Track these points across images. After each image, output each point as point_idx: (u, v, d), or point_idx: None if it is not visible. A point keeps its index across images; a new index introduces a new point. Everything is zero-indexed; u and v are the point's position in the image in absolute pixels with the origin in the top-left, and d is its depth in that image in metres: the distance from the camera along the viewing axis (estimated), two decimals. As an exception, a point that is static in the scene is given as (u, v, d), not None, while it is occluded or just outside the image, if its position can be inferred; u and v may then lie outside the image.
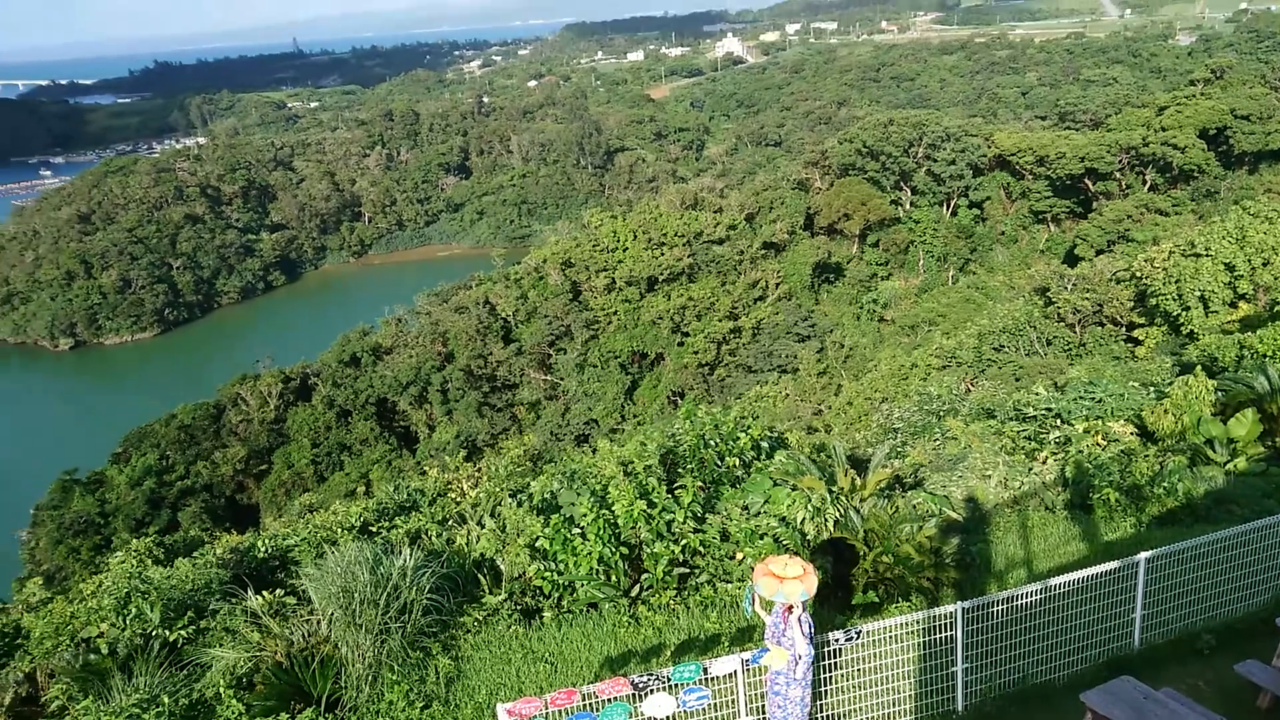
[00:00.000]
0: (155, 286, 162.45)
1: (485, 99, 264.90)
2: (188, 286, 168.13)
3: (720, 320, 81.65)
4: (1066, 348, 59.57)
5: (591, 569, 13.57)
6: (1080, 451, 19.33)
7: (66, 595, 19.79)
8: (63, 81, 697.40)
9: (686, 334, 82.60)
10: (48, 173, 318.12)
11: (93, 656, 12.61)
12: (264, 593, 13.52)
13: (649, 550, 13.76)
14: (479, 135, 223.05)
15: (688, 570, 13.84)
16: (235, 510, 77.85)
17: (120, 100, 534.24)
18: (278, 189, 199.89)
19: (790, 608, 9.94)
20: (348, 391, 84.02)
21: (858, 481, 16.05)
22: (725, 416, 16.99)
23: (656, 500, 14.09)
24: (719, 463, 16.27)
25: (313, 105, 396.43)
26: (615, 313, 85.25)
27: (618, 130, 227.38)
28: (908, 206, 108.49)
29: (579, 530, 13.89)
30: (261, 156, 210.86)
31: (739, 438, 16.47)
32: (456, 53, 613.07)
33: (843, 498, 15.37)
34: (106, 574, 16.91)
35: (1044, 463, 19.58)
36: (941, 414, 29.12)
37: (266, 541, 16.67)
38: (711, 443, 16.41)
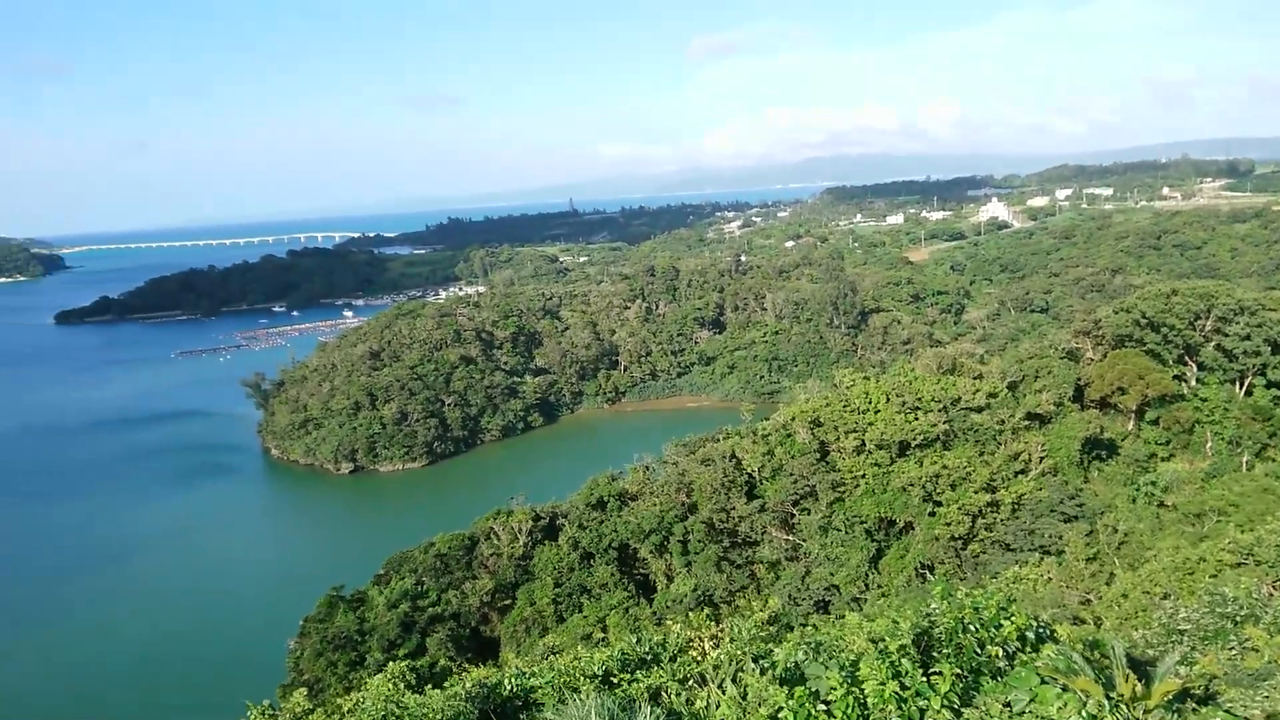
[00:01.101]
0: (428, 420, 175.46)
1: (743, 257, 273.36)
2: (456, 422, 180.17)
3: (976, 492, 77.42)
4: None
5: (836, 750, 12.78)
6: None
7: (326, 709, 20.93)
8: (370, 234, 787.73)
9: (939, 504, 78.80)
10: (350, 313, 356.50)
11: (346, 776, 13.11)
12: (506, 733, 13.66)
13: (898, 737, 12.82)
14: (735, 292, 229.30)
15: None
16: (479, 641, 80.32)
17: (415, 251, 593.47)
18: (544, 336, 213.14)
19: None
20: (592, 534, 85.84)
21: (1139, 689, 14.33)
22: (988, 599, 15.82)
23: (910, 683, 13.18)
24: (978, 650, 15.06)
25: (582, 259, 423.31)
26: (863, 476, 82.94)
27: (873, 291, 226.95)
28: (1193, 383, 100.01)
29: (825, 707, 13.20)
30: (532, 305, 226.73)
31: (1002, 624, 15.23)
32: (718, 213, 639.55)
33: (1123, 706, 13.75)
34: (364, 693, 17.73)
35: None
36: (1239, 619, 25.78)
37: (511, 680, 16.93)
38: (971, 627, 15.27)
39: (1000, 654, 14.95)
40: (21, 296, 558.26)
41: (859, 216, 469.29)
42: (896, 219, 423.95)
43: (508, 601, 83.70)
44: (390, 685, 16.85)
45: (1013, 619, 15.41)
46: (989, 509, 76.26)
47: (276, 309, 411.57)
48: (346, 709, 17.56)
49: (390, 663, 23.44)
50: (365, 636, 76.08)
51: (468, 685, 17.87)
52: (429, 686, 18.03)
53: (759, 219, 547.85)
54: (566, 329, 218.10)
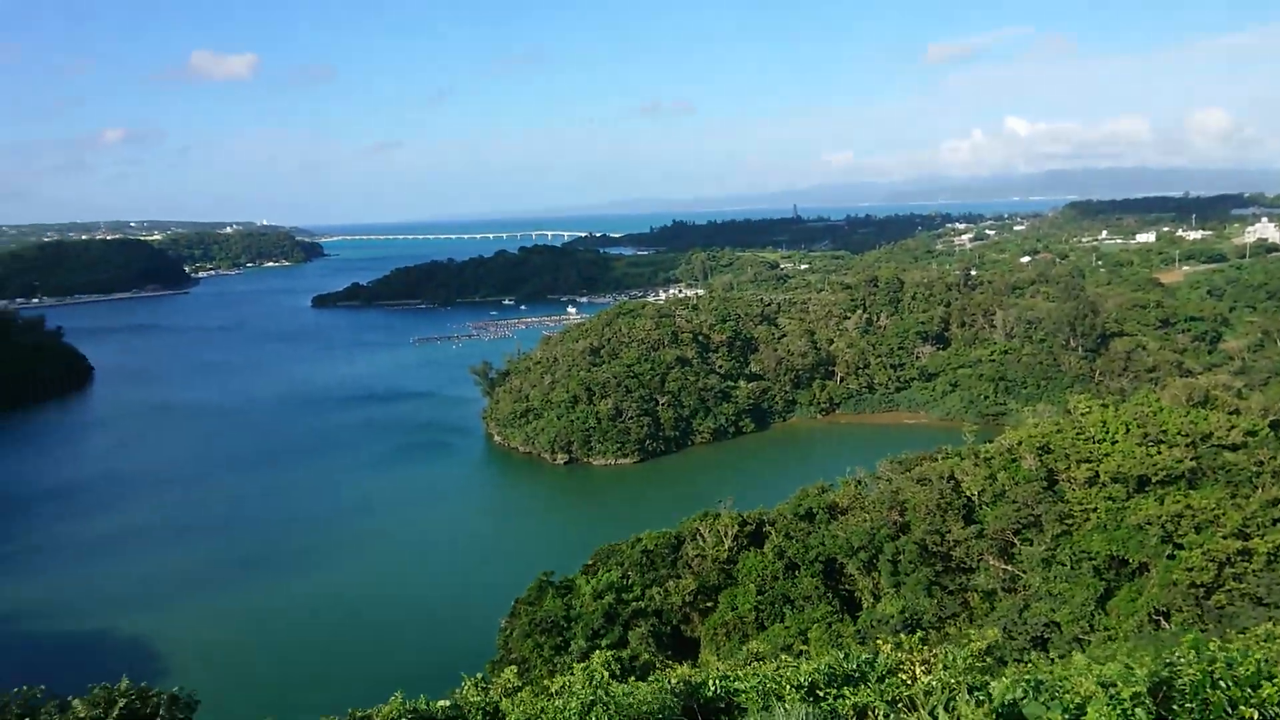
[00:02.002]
0: (642, 418, 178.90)
1: (973, 271, 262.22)
2: (669, 422, 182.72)
3: (1226, 537, 70.62)
4: None
5: (1054, 797, 11.95)
6: None
7: (533, 689, 21.64)
8: (597, 234, 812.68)
9: (1180, 546, 72.50)
10: (573, 309, 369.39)
11: (553, 755, 13.47)
12: (709, 733, 13.65)
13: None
14: (962, 307, 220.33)
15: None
16: (679, 640, 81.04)
17: (639, 252, 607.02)
18: (760, 342, 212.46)
19: None
20: (798, 545, 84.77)
21: None
22: (1245, 656, 14.33)
23: (1144, 735, 12.15)
24: (1228, 710, 13.65)
25: (803, 267, 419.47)
26: (1095, 509, 77.53)
27: (1116, 313, 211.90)
28: None
29: (1045, 749, 12.37)
30: (750, 310, 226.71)
31: (1261, 685, 13.75)
32: (949, 225, 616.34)
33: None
34: (573, 677, 18.20)
35: None
36: None
37: (716, 681, 16.92)
38: (1222, 684, 13.87)
39: (1257, 718, 13.52)
40: (287, 280, 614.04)
41: (1104, 233, 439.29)
42: (1147, 237, 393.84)
43: (710, 604, 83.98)
44: (599, 672, 17.22)
45: (1276, 681, 13.90)
46: (1239, 557, 69.47)
47: (506, 302, 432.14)
48: (555, 689, 18.06)
49: (595, 651, 23.96)
50: (571, 623, 78.37)
51: (672, 681, 18.03)
52: (631, 679, 18.27)
53: (993, 232, 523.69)
54: (783, 336, 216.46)
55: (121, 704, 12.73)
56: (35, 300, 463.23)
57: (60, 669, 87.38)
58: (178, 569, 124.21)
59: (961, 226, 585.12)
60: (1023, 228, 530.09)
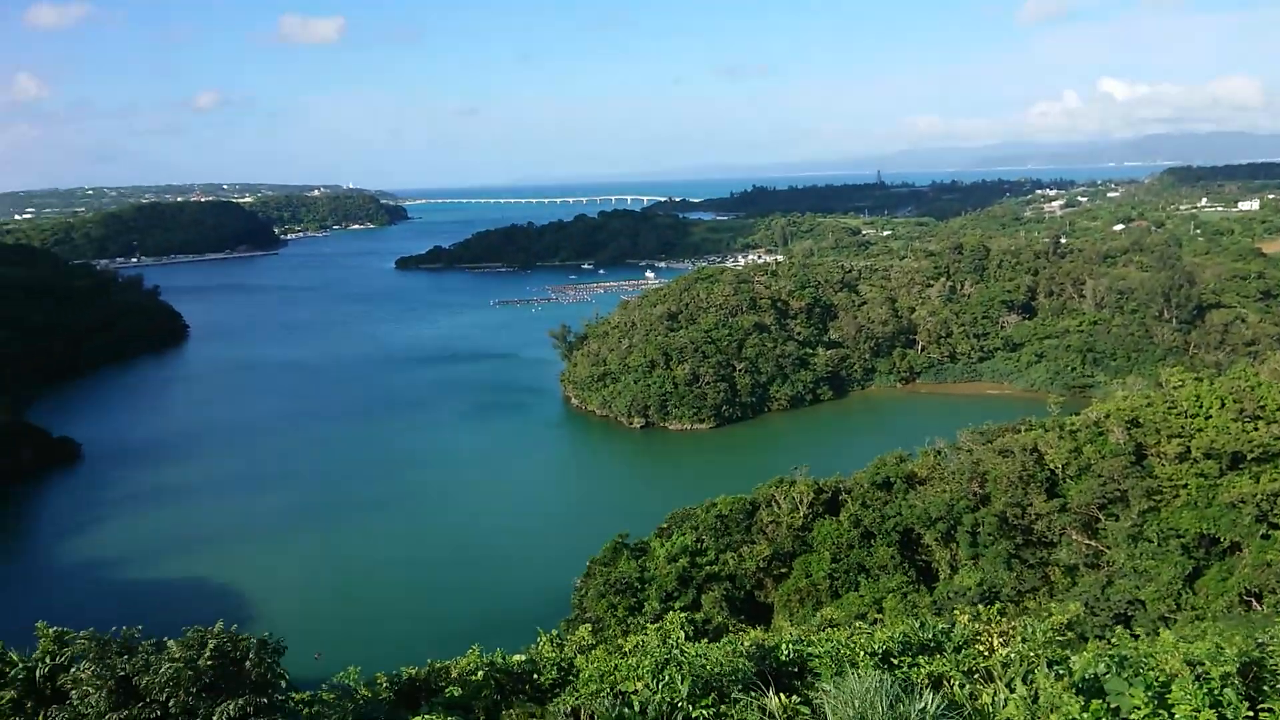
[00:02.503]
0: (718, 384, 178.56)
1: (1063, 239, 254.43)
2: (745, 388, 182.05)
3: (1324, 518, 68.08)
4: None
5: (1132, 772, 11.70)
6: None
7: (608, 647, 21.93)
8: (676, 199, 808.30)
9: (1275, 526, 69.99)
10: (651, 274, 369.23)
11: (626, 710, 13.65)
12: (781, 695, 13.67)
13: (1209, 772, 11.51)
14: (1050, 276, 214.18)
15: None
16: (752, 605, 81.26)
17: (718, 217, 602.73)
18: (840, 309, 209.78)
19: None
20: (875, 514, 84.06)
21: None
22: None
23: (1232, 716, 11.78)
24: (1323, 693, 13.19)
25: (885, 233, 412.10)
26: (1185, 486, 75.21)
27: (1214, 284, 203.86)
28: None
29: (1125, 724, 12.11)
30: (830, 277, 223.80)
31: (1360, 669, 13.24)
32: (1039, 190, 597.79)
33: None
34: (647, 637, 18.38)
35: None
36: None
37: (789, 645, 16.90)
38: (1317, 666, 13.40)
39: (1352, 701, 13.03)
40: (371, 242, 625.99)
41: (1204, 201, 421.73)
42: (1250, 205, 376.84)
43: (783, 570, 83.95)
44: (674, 632, 17.35)
45: (1373, 664, 13.36)
46: (1339, 539, 66.93)
47: (585, 266, 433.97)
48: (629, 649, 18.25)
49: (669, 612, 24.16)
50: (644, 585, 79.13)
51: (745, 644, 18.08)
52: (704, 640, 18.39)
53: (1085, 198, 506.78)
54: (864, 303, 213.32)
55: (213, 645, 13.22)
56: (134, 260, 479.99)
57: (154, 612, 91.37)
58: (262, 515, 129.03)
59: (1052, 193, 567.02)
60: (1117, 194, 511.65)
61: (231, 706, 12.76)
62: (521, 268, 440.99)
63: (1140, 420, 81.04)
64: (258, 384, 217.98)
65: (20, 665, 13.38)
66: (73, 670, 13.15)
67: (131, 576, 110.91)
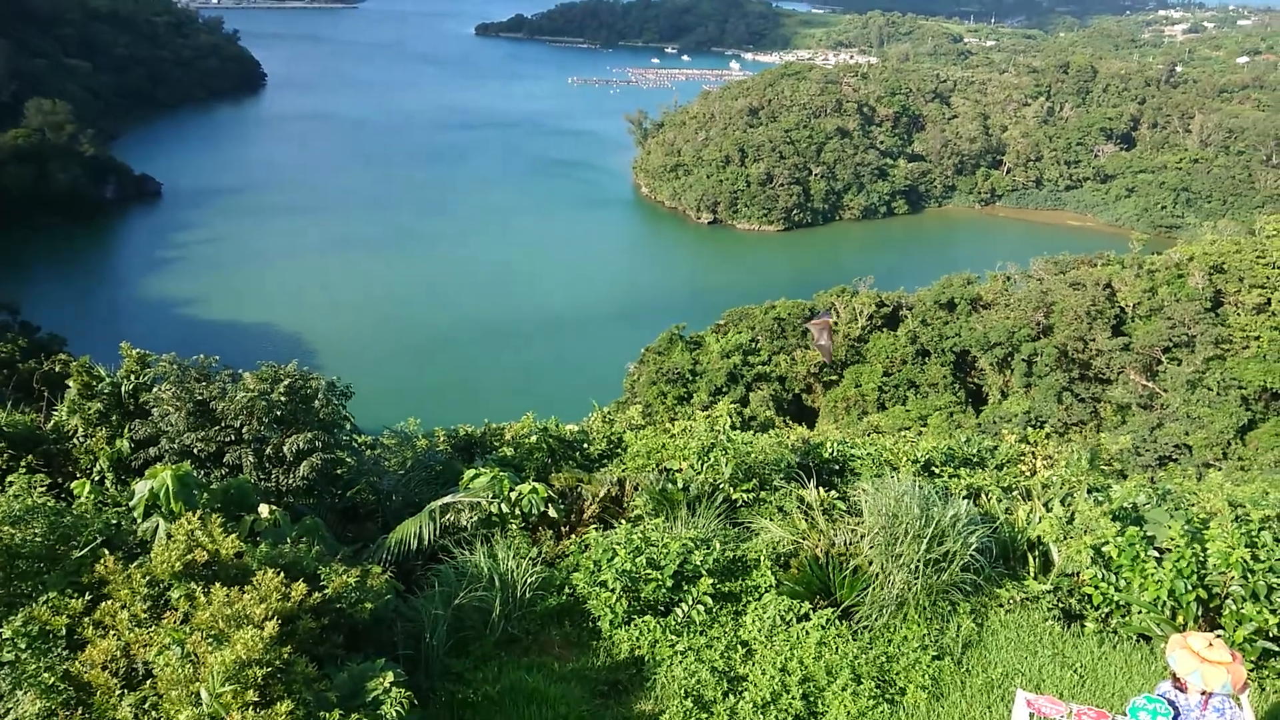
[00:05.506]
0: (792, 187, 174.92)
1: (1178, 68, 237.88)
2: (819, 193, 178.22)
3: (1395, 385, 66.58)
4: None
5: (1158, 599, 12.03)
6: None
7: (657, 427, 22.64)
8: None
9: (1342, 387, 68.81)
10: (736, 65, 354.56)
11: (669, 485, 14.23)
12: (820, 489, 14.12)
13: (1234, 608, 11.79)
14: (1157, 106, 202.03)
15: (1276, 649, 11.64)
16: (799, 408, 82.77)
17: (814, 10, 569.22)
18: (927, 120, 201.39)
19: (1208, 695, 8.09)
20: (933, 333, 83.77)
21: None
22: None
23: (1264, 557, 11.94)
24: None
25: (989, 44, 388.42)
26: (1257, 338, 73.52)
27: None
28: None
29: (1156, 554, 12.36)
30: (922, 86, 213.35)
31: (1405, 528, 13.22)
32: (1163, 11, 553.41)
33: None
34: (695, 421, 18.90)
35: None
36: None
37: (834, 445, 17.31)
38: (1360, 520, 13.40)
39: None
40: (453, 3, 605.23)
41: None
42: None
43: (834, 377, 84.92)
44: (722, 419, 17.80)
45: None
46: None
47: (669, 50, 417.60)
48: (678, 431, 18.83)
49: (718, 402, 24.71)
50: (695, 377, 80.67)
51: (791, 439, 18.57)
52: (755, 433, 18.88)
53: (1212, 25, 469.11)
54: (954, 117, 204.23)
55: (286, 382, 13.82)
56: (215, 1, 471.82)
57: (227, 348, 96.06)
58: (336, 270, 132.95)
59: (1177, 15, 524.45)
60: (1249, 23, 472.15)
61: (300, 439, 13.52)
62: (603, 45, 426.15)
63: (1225, 266, 78.37)
64: (330, 134, 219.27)
65: (107, 380, 14.15)
66: (154, 390, 13.90)
67: (205, 315, 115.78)
